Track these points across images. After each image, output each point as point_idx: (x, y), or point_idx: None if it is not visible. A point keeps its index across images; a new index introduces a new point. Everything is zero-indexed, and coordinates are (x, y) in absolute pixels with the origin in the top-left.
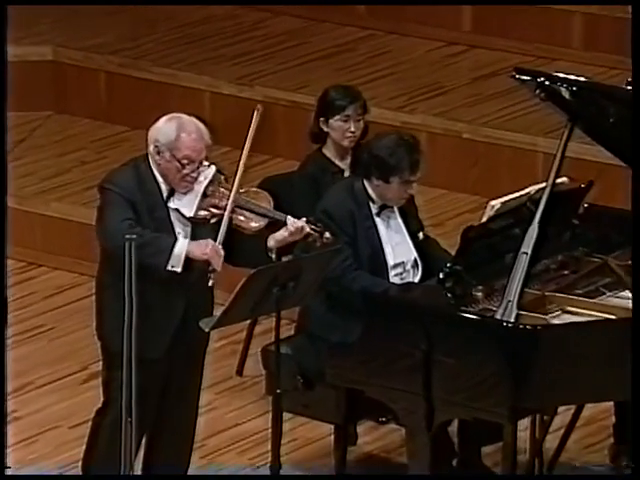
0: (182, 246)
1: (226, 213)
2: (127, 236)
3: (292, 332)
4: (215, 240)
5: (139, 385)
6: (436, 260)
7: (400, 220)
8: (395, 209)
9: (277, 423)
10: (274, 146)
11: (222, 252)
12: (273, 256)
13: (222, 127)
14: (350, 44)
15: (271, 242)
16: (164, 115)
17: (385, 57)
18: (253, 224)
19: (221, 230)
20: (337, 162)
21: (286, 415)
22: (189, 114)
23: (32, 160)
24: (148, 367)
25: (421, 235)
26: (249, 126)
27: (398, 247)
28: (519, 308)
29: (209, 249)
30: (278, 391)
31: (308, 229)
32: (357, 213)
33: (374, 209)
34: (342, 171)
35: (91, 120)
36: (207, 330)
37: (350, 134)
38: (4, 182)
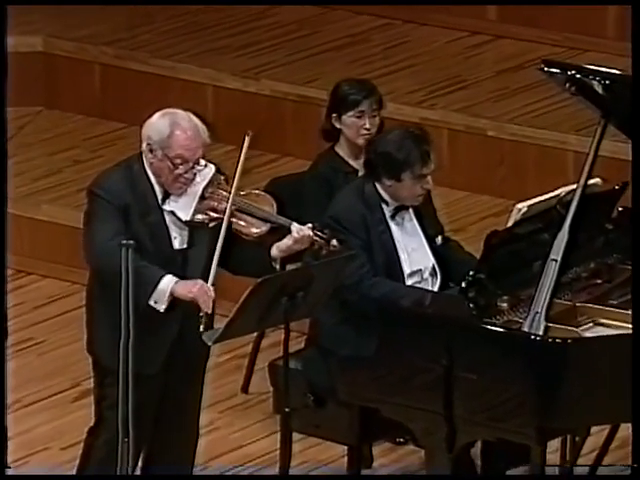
0: (168, 283)
1: (222, 231)
2: (123, 242)
3: (302, 345)
4: (210, 260)
5: (134, 403)
6: (459, 264)
7: (416, 223)
8: (410, 211)
9: (286, 444)
10: (283, 144)
11: (212, 293)
12: (277, 266)
13: (226, 124)
14: (365, 34)
15: (274, 251)
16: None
17: (403, 48)
18: (254, 230)
19: (214, 261)
20: (351, 162)
21: (296, 435)
22: (187, 109)
23: (21, 159)
24: (143, 384)
25: (439, 239)
26: (240, 153)
27: (415, 253)
28: (548, 320)
29: (196, 288)
30: (287, 409)
31: (314, 236)
32: (369, 217)
33: (387, 212)
34: (356, 171)
35: (84, 116)
36: (210, 344)
37: (365, 131)
38: (4, 192)
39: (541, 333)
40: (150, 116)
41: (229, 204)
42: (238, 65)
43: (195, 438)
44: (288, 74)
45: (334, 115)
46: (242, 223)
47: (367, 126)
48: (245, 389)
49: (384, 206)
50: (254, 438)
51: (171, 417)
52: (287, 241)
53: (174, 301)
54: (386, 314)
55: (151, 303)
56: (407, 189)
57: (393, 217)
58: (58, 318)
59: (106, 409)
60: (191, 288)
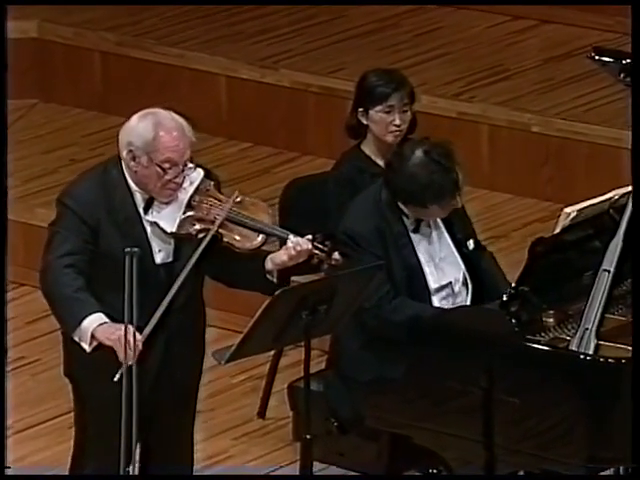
0: (91, 324)
1: (184, 272)
2: (127, 250)
3: (324, 365)
4: (197, 275)
5: (113, 433)
6: (491, 278)
7: (443, 229)
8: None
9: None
10: (304, 142)
11: (137, 344)
12: (274, 280)
13: (241, 118)
14: (394, 19)
15: (269, 265)
16: (158, 108)
17: (437, 34)
18: (247, 244)
19: (159, 309)
20: (379, 161)
21: (317, 465)
22: (167, 108)
23: (13, 158)
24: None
25: (471, 243)
26: (223, 208)
27: (443, 264)
28: (599, 337)
29: (116, 336)
30: (308, 436)
31: (313, 249)
32: (387, 230)
33: (409, 224)
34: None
35: (83, 110)
36: (222, 364)
37: (394, 128)
38: (4, 200)
39: (591, 352)
40: (127, 120)
41: (214, 227)
42: (254, 53)
43: (189, 464)
44: (309, 63)
45: (360, 110)
46: (234, 237)
47: (397, 122)
48: (262, 414)
49: (404, 217)
50: (272, 467)
51: (160, 442)
52: (282, 254)
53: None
54: (416, 332)
55: (76, 339)
56: (434, 214)
57: (416, 230)
58: (53, 334)
59: (89, 440)
60: (110, 334)
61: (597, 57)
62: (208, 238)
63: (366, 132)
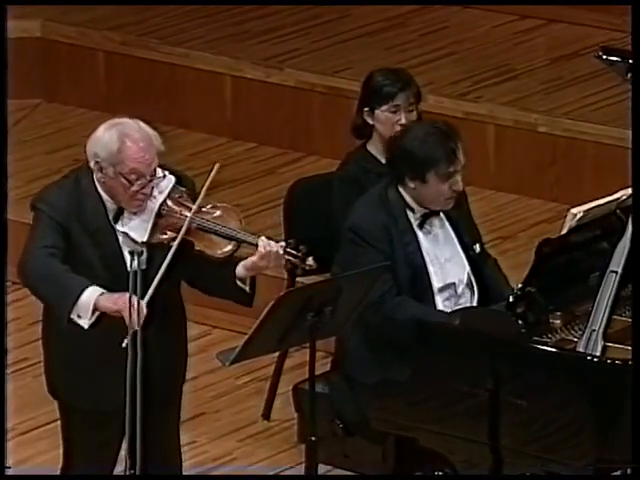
0: (92, 294)
1: (169, 255)
2: (130, 249)
3: (329, 367)
4: (172, 281)
5: (101, 442)
6: (494, 284)
7: (450, 229)
8: (442, 216)
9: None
10: (309, 142)
11: (143, 309)
12: (246, 287)
13: (246, 119)
14: (401, 18)
15: (240, 270)
16: (142, 121)
17: (444, 33)
18: (217, 251)
19: (155, 279)
20: (384, 161)
21: (322, 467)
22: (134, 118)
23: (16, 158)
24: (109, 421)
25: (478, 247)
26: (205, 180)
27: (448, 264)
28: (606, 339)
29: (122, 301)
30: (313, 438)
31: (285, 255)
32: (393, 227)
33: (414, 220)
34: None
35: (87, 110)
36: (227, 365)
37: (400, 127)
38: (4, 201)
39: (598, 354)
40: (94, 130)
41: (180, 235)
42: (259, 53)
43: (178, 466)
44: (315, 63)
45: (366, 109)
46: (205, 244)
47: (403, 122)
48: (266, 415)
49: (410, 213)
50: (277, 469)
51: (145, 446)
52: (253, 258)
53: (100, 318)
54: (421, 333)
55: (74, 317)
56: (433, 191)
57: (421, 225)
58: None
59: (77, 456)
60: (117, 300)
61: (604, 56)
62: (175, 247)
63: (372, 132)
